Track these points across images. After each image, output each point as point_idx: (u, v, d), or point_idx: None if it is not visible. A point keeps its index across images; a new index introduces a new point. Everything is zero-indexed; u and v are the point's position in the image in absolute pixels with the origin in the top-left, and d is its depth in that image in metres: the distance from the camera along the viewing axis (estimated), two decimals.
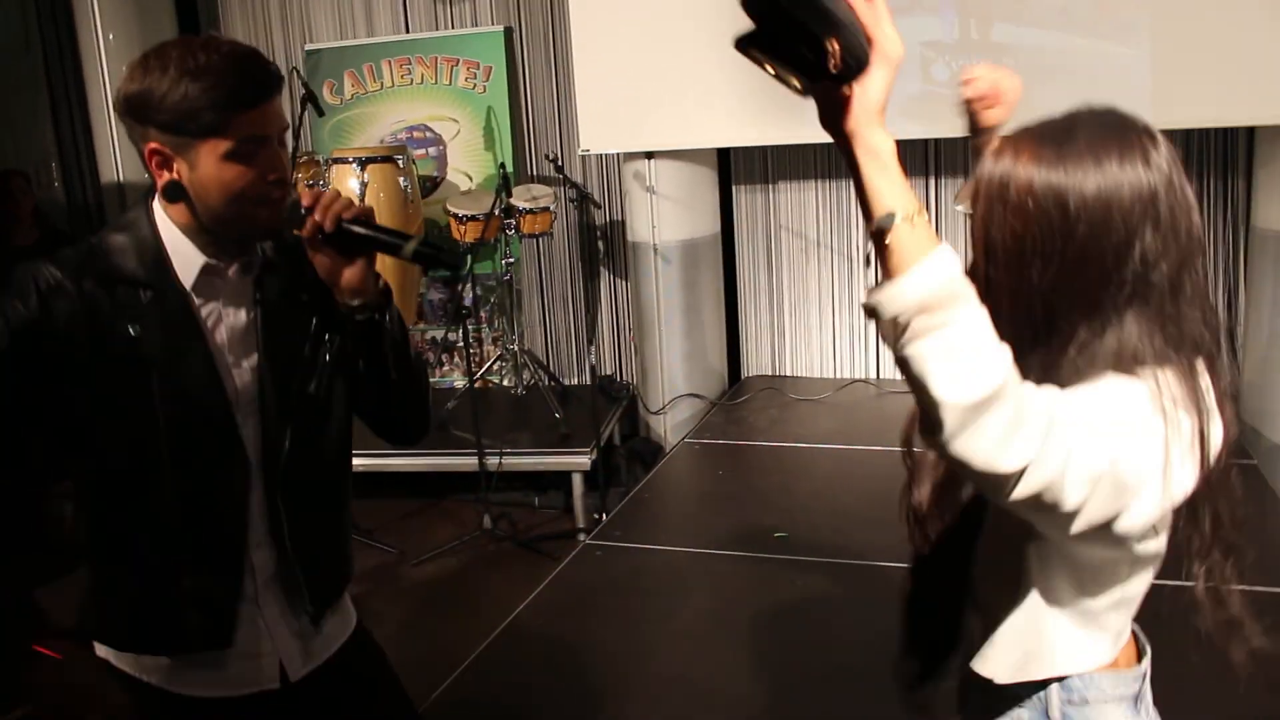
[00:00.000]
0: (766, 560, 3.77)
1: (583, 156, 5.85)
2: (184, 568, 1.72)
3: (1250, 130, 4.99)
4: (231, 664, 1.78)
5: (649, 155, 5.44)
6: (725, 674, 3.08)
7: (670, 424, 5.68)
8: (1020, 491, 1.08)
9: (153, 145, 1.60)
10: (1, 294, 1.61)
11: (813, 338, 6.05)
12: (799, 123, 5.62)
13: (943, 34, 4.93)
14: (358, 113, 6.36)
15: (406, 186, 5.51)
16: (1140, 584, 1.31)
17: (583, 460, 5.01)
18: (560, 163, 5.60)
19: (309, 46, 6.44)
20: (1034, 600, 1.29)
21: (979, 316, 1.09)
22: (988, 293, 1.22)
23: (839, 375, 5.97)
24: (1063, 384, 1.19)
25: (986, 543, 1.39)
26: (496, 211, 5.23)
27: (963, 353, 1.06)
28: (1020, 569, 1.29)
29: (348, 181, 5.36)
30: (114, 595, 1.78)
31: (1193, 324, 1.22)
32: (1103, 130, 1.22)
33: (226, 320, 1.72)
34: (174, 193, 1.63)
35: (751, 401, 5.69)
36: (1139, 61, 4.63)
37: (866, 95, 1.10)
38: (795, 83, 1.13)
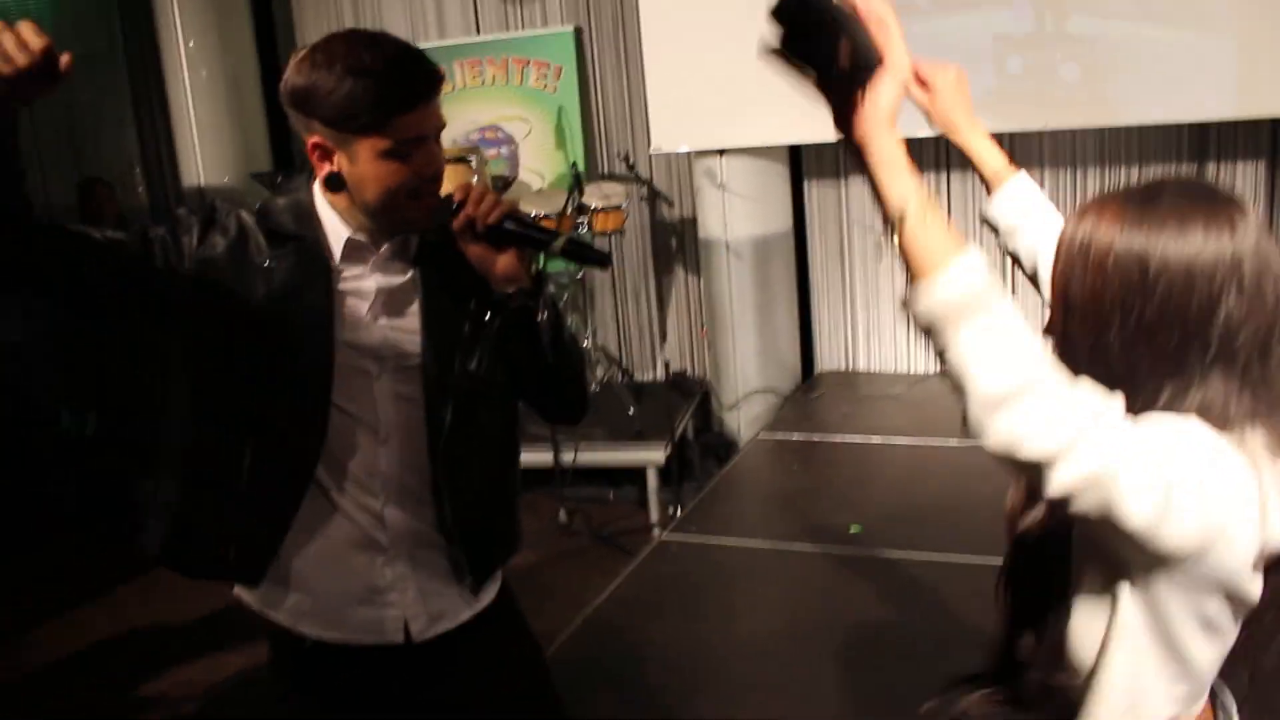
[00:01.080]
0: (841, 555, 3.76)
1: (654, 155, 5.88)
2: (289, 501, 1.79)
3: None
4: (353, 611, 1.85)
5: (720, 152, 5.45)
6: (799, 670, 3.08)
7: (743, 419, 5.69)
8: (1059, 483, 1.09)
9: (315, 139, 1.68)
10: (171, 220, 1.74)
11: (885, 333, 6.02)
12: None
13: (1015, 27, 4.87)
14: None
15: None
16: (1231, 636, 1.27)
17: (657, 455, 5.04)
18: (632, 161, 5.63)
19: None
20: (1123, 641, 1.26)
21: (1009, 312, 1.12)
22: (1065, 349, 1.26)
23: (912, 370, 5.93)
24: None
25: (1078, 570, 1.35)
26: (569, 210, 5.28)
27: (995, 347, 1.10)
28: (1110, 606, 1.26)
29: None
30: (217, 523, 1.84)
31: None
32: (1188, 196, 1.22)
33: (372, 281, 1.78)
34: (334, 183, 1.72)
35: (824, 397, 5.68)
36: (1222, 51, 4.54)
37: (877, 104, 1.19)
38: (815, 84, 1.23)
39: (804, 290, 6.10)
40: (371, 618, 1.86)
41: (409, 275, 1.81)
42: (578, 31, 6.21)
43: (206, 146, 6.43)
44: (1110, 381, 1.21)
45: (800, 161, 5.96)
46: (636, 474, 5.21)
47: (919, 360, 5.94)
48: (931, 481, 4.39)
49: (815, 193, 6.02)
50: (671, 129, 5.52)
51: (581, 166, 5.78)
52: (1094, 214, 1.25)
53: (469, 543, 1.90)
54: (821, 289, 6.11)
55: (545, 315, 1.79)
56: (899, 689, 2.99)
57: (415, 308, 1.81)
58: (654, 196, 5.67)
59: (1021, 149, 5.44)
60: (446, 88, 6.72)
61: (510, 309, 1.76)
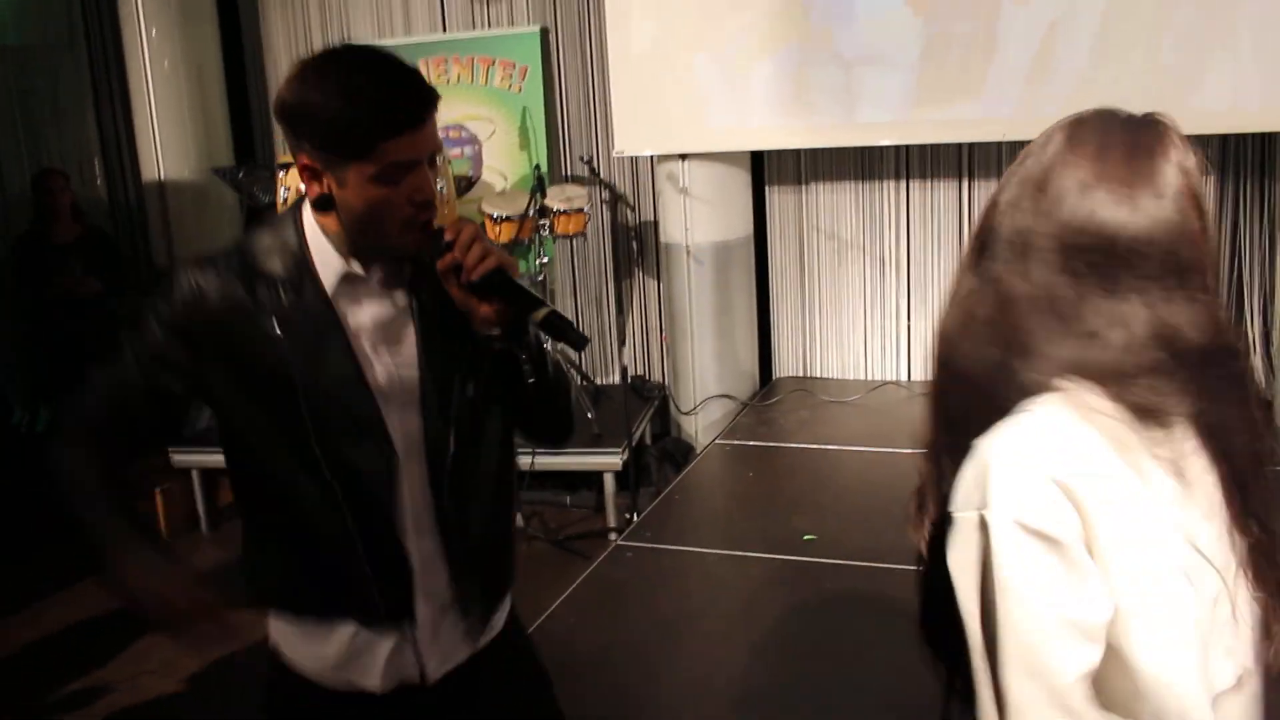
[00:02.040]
0: (796, 562, 3.79)
1: (617, 158, 5.89)
2: (331, 552, 1.77)
3: None
4: (372, 657, 1.82)
5: (683, 157, 5.47)
6: (754, 675, 3.11)
7: (701, 424, 5.71)
8: None
9: (304, 160, 1.64)
10: (154, 299, 1.72)
11: (844, 339, 6.06)
12: (832, 125, 5.64)
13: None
14: None
15: (442, 186, 5.56)
16: None
17: (614, 460, 5.06)
18: (594, 164, 5.64)
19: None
20: None
21: None
22: (994, 281, 1.25)
23: (870, 377, 5.97)
24: (1091, 374, 1.19)
25: None
26: (531, 212, 5.28)
27: None
28: None
29: None
30: (266, 575, 1.85)
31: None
32: (1137, 128, 1.23)
33: (367, 314, 1.74)
34: (324, 204, 1.67)
35: (782, 403, 5.72)
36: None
37: None
38: None
39: (764, 296, 6.13)
40: (391, 662, 1.82)
41: (403, 303, 1.77)
42: (544, 32, 6.20)
43: (167, 139, 6.36)
44: (1055, 316, 1.21)
45: (762, 167, 5.99)
46: (594, 478, 5.23)
47: (876, 367, 5.98)
48: (886, 489, 4.41)
49: (776, 199, 6.06)
50: (635, 132, 5.54)
51: (544, 168, 5.78)
52: (1038, 147, 1.28)
53: (477, 574, 1.87)
54: (781, 295, 6.15)
55: (528, 356, 1.76)
56: (850, 694, 3.02)
57: (411, 336, 1.77)
58: (616, 200, 5.67)
59: (980, 159, 5.51)
60: None
61: (493, 351, 1.74)
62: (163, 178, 6.39)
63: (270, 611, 1.87)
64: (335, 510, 1.74)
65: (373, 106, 1.57)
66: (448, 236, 1.67)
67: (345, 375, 1.71)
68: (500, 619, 1.98)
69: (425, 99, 1.63)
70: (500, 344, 1.73)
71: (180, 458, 5.43)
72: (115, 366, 1.75)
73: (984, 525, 1.15)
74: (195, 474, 5.46)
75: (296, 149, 1.65)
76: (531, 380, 1.77)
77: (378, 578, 1.77)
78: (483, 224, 5.68)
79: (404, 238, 1.66)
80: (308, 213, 1.73)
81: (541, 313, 1.68)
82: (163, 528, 5.37)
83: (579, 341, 1.76)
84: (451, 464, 1.79)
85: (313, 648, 1.82)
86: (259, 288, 1.70)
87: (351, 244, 1.70)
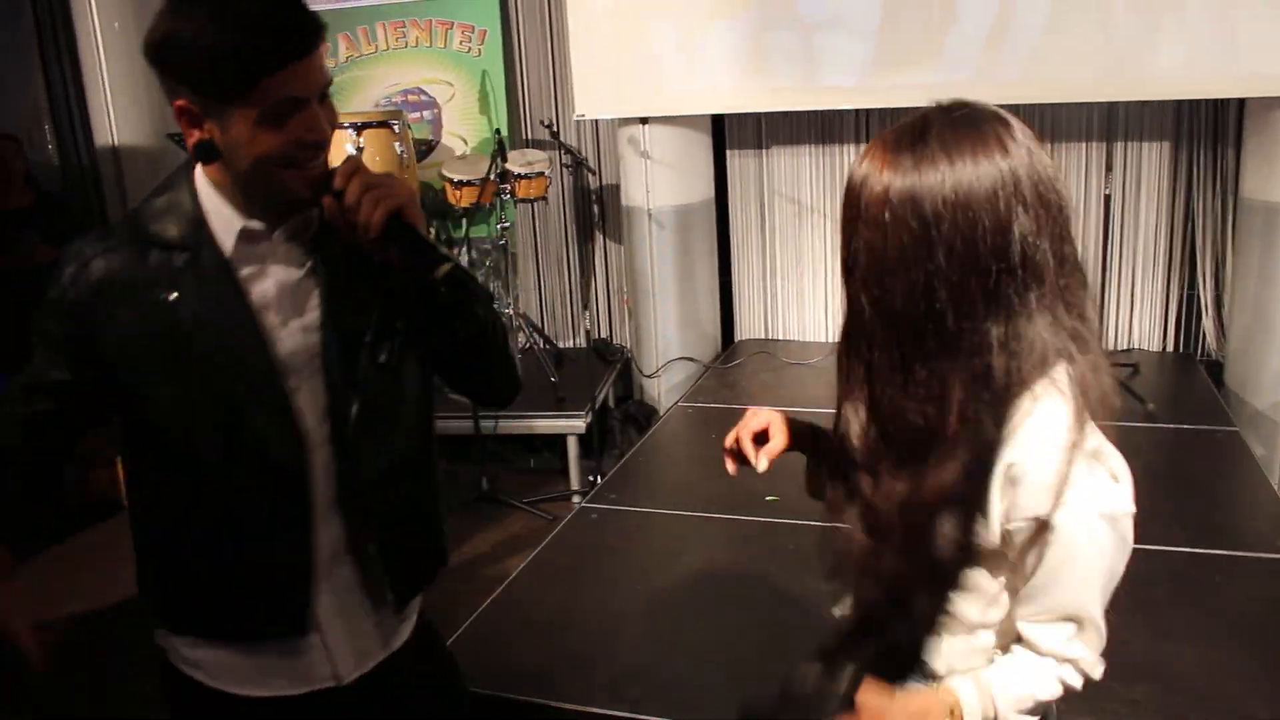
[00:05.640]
0: (759, 523, 3.83)
1: (578, 121, 5.87)
2: (236, 543, 1.61)
3: (1241, 101, 5.04)
4: (282, 657, 1.68)
5: (644, 121, 5.46)
6: (719, 635, 3.15)
7: (664, 387, 5.74)
8: None
9: (180, 102, 1.46)
10: (47, 280, 1.56)
11: (805, 302, 6.11)
12: (792, 89, 5.63)
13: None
14: (352, 76, 6.36)
15: (402, 151, 5.51)
16: None
17: (577, 423, 5.08)
18: (555, 128, 5.62)
19: None
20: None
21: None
22: (863, 312, 1.26)
23: (831, 339, 6.01)
24: (996, 394, 1.22)
25: None
26: (492, 176, 5.26)
27: None
28: None
29: (343, 146, 5.37)
30: (162, 572, 1.69)
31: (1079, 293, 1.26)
32: (953, 125, 1.22)
33: (271, 280, 1.58)
34: (206, 153, 1.49)
35: (744, 365, 5.75)
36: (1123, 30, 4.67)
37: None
38: None
39: (725, 259, 6.16)
40: (299, 663, 1.68)
41: (307, 264, 1.60)
42: None
43: (119, 103, 6.23)
44: (937, 339, 1.21)
45: (723, 131, 6.00)
46: (557, 441, 5.25)
47: (836, 330, 6.01)
48: None
49: (737, 163, 6.07)
50: (595, 96, 5.52)
51: (505, 132, 5.76)
52: (866, 170, 1.24)
53: (389, 559, 1.71)
54: (742, 258, 6.18)
55: (471, 287, 1.56)
56: (813, 649, 3.07)
57: (316, 301, 1.60)
58: (577, 164, 5.67)
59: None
60: (369, 48, 6.60)
61: (432, 290, 1.53)
62: (116, 142, 6.28)
63: (168, 631, 1.70)
64: (242, 501, 1.59)
65: (254, 37, 1.39)
66: (336, 184, 1.50)
67: (246, 348, 1.55)
68: (405, 621, 1.82)
69: (311, 27, 1.44)
70: (445, 284, 1.50)
71: None
72: (28, 369, 1.62)
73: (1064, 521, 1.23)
74: None
75: (171, 93, 1.47)
76: (466, 324, 1.62)
77: (288, 577, 1.63)
78: (443, 188, 5.66)
79: (292, 180, 1.49)
80: (199, 174, 1.56)
81: (445, 268, 1.49)
82: (123, 495, 5.33)
83: (487, 299, 1.65)
84: (356, 437, 1.61)
85: (220, 660, 1.67)
86: (151, 255, 1.54)
87: (243, 196, 1.54)
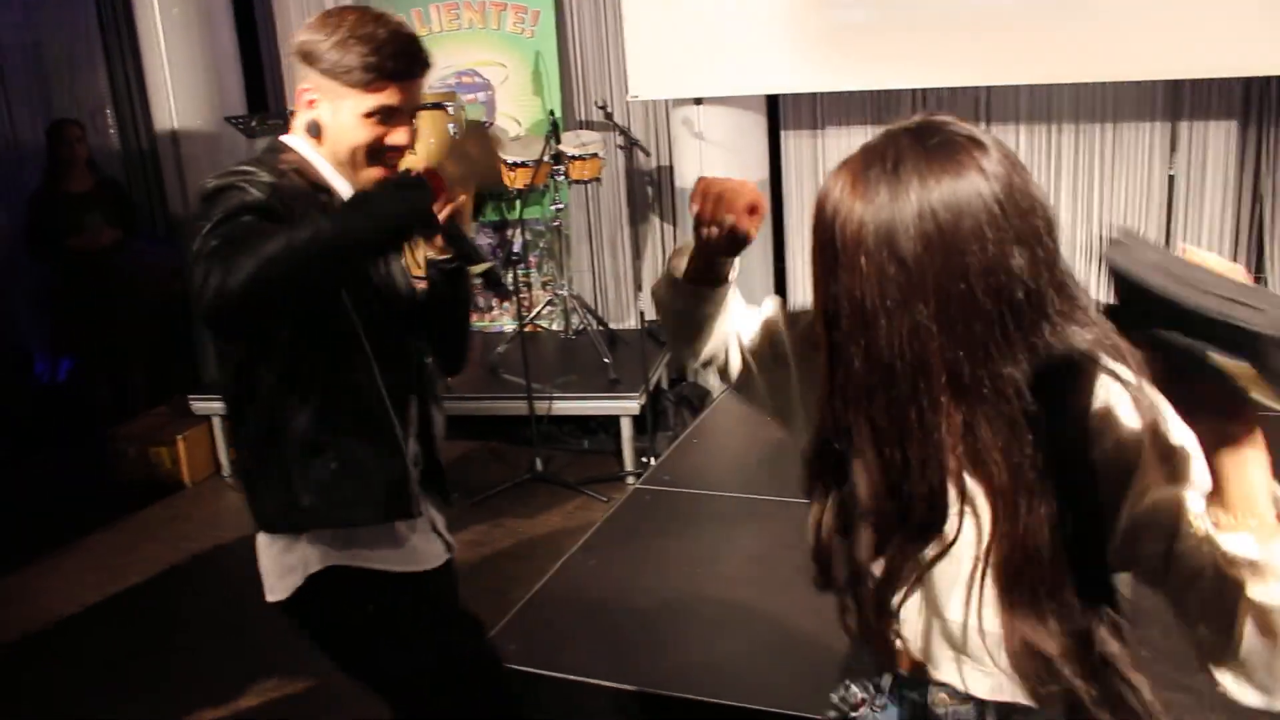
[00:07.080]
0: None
1: (631, 102, 5.85)
2: (371, 449, 1.96)
3: None
4: (415, 540, 2.06)
5: (698, 101, 5.43)
6: (772, 618, 3.14)
7: None
8: None
9: (306, 86, 1.88)
10: (228, 191, 1.74)
11: None
12: (848, 69, 5.58)
13: None
14: None
15: (456, 133, 5.53)
16: None
17: (631, 405, 5.08)
18: (609, 109, 5.61)
19: None
20: None
21: None
22: (848, 366, 1.15)
23: None
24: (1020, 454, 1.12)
25: None
26: (546, 158, 5.26)
27: None
28: None
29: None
30: (320, 478, 1.94)
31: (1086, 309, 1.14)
32: (927, 152, 1.12)
33: None
34: (315, 129, 1.90)
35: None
36: (1197, 9, 4.56)
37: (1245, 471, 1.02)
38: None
39: (780, 241, 6.11)
40: (433, 544, 2.13)
41: None
42: None
43: (179, 88, 6.31)
44: (930, 392, 1.12)
45: (778, 111, 5.94)
46: (611, 423, 5.25)
47: None
48: None
49: (792, 143, 6.02)
50: (649, 76, 5.50)
51: (558, 113, 5.75)
52: (837, 204, 1.15)
53: (432, 473, 2.16)
54: (797, 239, 6.12)
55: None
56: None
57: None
58: (631, 145, 5.64)
59: (998, 104, 5.46)
60: (423, 30, 6.66)
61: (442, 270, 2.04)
62: (175, 127, 6.35)
63: (324, 530, 1.96)
64: (382, 409, 1.95)
65: (380, 49, 1.83)
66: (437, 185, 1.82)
67: (386, 275, 1.98)
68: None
69: (424, 58, 1.92)
70: (448, 265, 2.03)
71: (200, 405, 5.48)
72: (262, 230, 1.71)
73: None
74: (216, 421, 5.51)
75: (303, 79, 1.88)
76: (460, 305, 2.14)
77: (404, 473, 2.00)
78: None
79: (372, 171, 1.91)
80: (298, 143, 1.93)
81: (481, 268, 2.03)
82: (185, 475, 5.43)
83: (505, 295, 2.09)
84: (419, 371, 2.07)
85: (377, 547, 1.99)
86: (305, 196, 1.86)
87: (337, 168, 1.93)
